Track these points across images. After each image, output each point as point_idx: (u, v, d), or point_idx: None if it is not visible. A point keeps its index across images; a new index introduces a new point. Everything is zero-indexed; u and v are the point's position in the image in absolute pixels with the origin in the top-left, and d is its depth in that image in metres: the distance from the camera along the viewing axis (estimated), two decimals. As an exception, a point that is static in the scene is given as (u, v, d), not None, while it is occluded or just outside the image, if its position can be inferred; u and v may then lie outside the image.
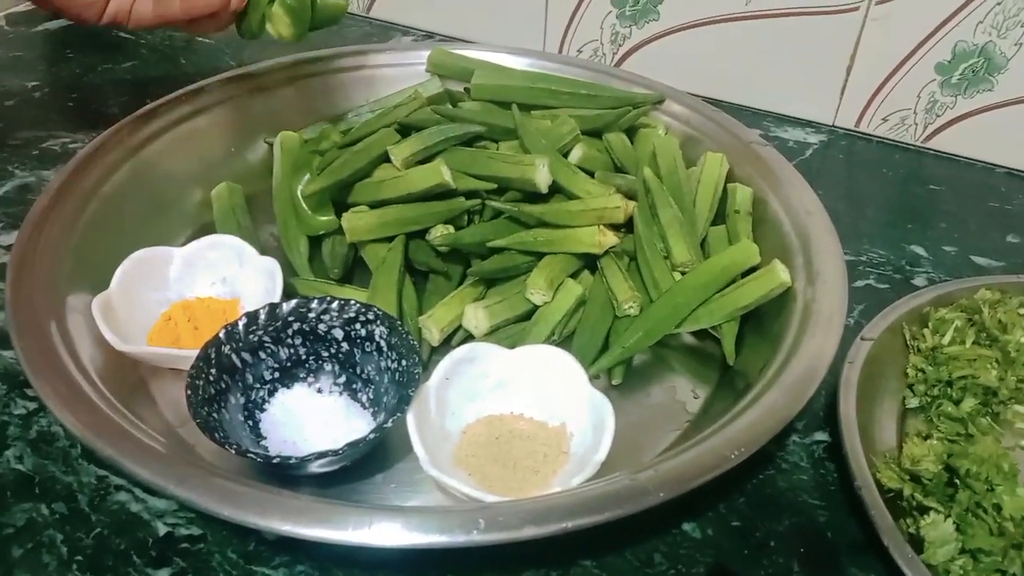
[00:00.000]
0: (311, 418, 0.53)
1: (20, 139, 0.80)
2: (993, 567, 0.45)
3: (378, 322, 0.53)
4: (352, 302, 0.53)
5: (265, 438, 0.51)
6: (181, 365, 0.55)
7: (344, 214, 0.63)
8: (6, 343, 0.58)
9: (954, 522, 0.46)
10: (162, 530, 0.48)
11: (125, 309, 0.56)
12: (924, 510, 0.47)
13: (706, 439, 0.46)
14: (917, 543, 0.46)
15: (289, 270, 0.62)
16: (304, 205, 0.66)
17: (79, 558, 0.47)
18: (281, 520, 0.40)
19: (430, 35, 1.00)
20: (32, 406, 0.55)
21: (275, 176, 0.70)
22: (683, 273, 0.60)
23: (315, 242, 0.66)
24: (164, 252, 0.60)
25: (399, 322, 0.53)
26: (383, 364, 0.53)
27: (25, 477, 0.51)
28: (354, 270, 0.65)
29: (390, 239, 0.63)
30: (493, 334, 0.58)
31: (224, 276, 0.61)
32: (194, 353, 0.51)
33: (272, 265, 0.59)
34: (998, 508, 0.46)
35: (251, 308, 0.54)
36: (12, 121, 0.82)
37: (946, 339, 0.58)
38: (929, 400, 0.55)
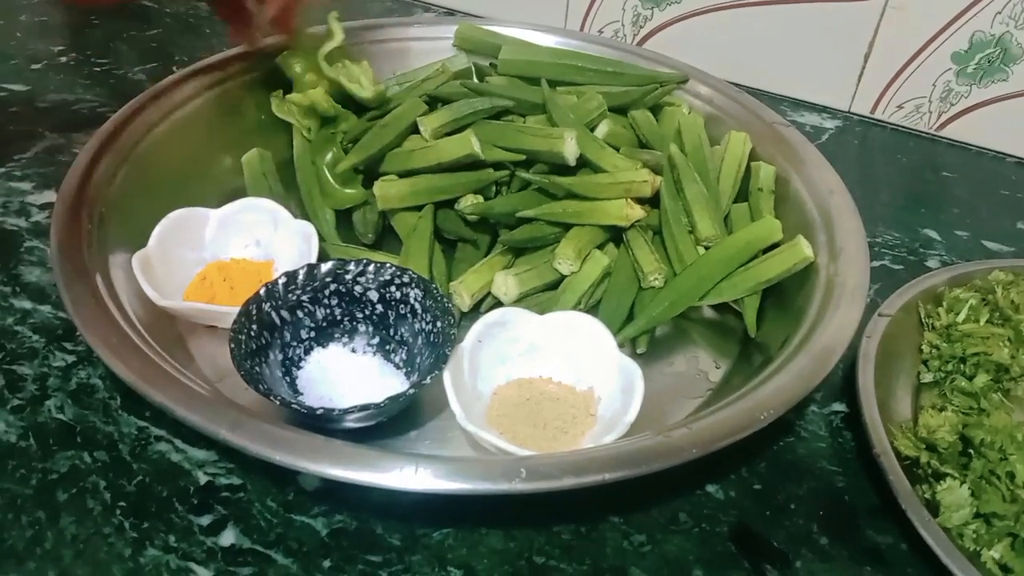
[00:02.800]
0: (346, 376, 0.54)
1: (49, 102, 0.81)
2: (1006, 531, 0.47)
3: (413, 285, 0.54)
4: (388, 265, 0.55)
5: (302, 394, 0.53)
6: (218, 322, 0.56)
7: (376, 182, 0.64)
8: (43, 298, 0.60)
9: (969, 488, 0.48)
10: (203, 479, 0.50)
11: (163, 267, 0.58)
12: (940, 476, 0.49)
13: (736, 402, 0.48)
14: (932, 507, 0.48)
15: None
16: (331, 178, 0.67)
17: (122, 503, 0.48)
18: (331, 464, 0.41)
19: (451, 12, 1.01)
20: (71, 359, 0.56)
21: (296, 147, 0.71)
22: (707, 247, 0.61)
23: (340, 211, 0.67)
24: (201, 213, 0.62)
25: (434, 285, 0.54)
26: (417, 326, 0.54)
27: (67, 426, 0.52)
28: (383, 237, 0.66)
29: (420, 208, 0.64)
30: (521, 301, 0.60)
31: (258, 239, 0.62)
32: (231, 310, 0.52)
33: (307, 228, 0.60)
34: (1011, 476, 0.48)
35: (284, 270, 0.55)
36: (40, 85, 0.83)
37: (960, 317, 0.59)
38: (943, 375, 0.57)
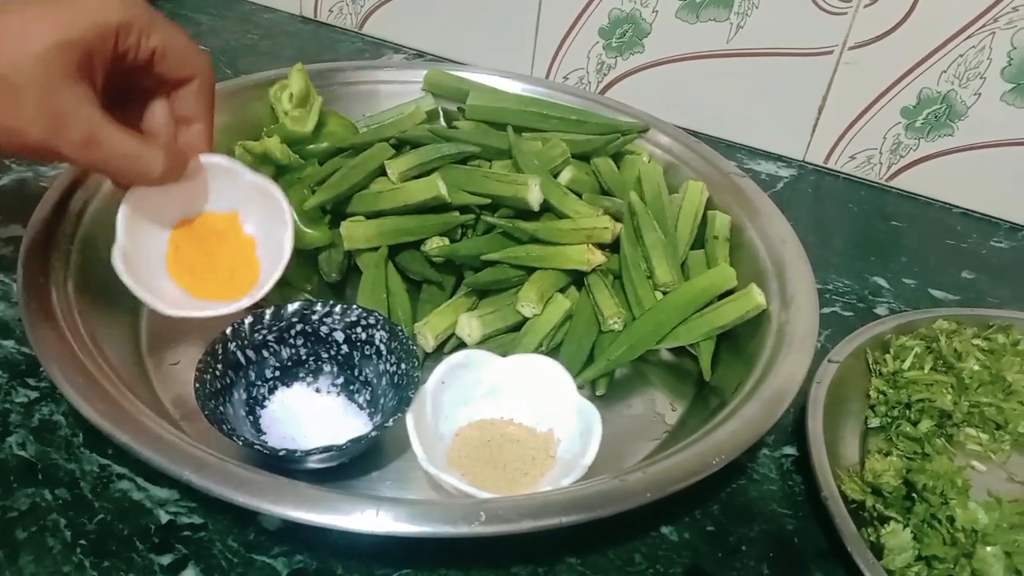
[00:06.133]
0: (309, 416, 0.55)
1: (16, 134, 0.81)
2: (946, 573, 0.49)
3: (379, 327, 0.56)
4: (354, 306, 0.56)
5: (265, 433, 0.54)
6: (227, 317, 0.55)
7: (343, 222, 0.65)
8: (6, 333, 0.60)
9: (911, 531, 0.50)
10: (164, 518, 0.50)
11: (137, 253, 0.55)
12: (884, 520, 0.51)
13: (690, 446, 0.49)
14: (877, 550, 0.50)
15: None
16: (297, 219, 0.68)
17: (83, 542, 0.48)
18: (294, 507, 0.42)
19: (421, 54, 1.03)
20: (33, 395, 0.56)
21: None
22: (665, 293, 0.63)
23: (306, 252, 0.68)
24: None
25: (399, 327, 0.55)
26: (382, 367, 0.55)
27: (28, 463, 0.52)
28: (348, 277, 0.67)
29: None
30: (484, 343, 0.61)
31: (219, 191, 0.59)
32: (235, 307, 0.54)
33: (265, 183, 0.57)
34: (951, 520, 0.50)
35: (251, 223, 0.57)
36: (8, 116, 0.83)
37: (906, 364, 0.62)
38: (889, 420, 0.60)
